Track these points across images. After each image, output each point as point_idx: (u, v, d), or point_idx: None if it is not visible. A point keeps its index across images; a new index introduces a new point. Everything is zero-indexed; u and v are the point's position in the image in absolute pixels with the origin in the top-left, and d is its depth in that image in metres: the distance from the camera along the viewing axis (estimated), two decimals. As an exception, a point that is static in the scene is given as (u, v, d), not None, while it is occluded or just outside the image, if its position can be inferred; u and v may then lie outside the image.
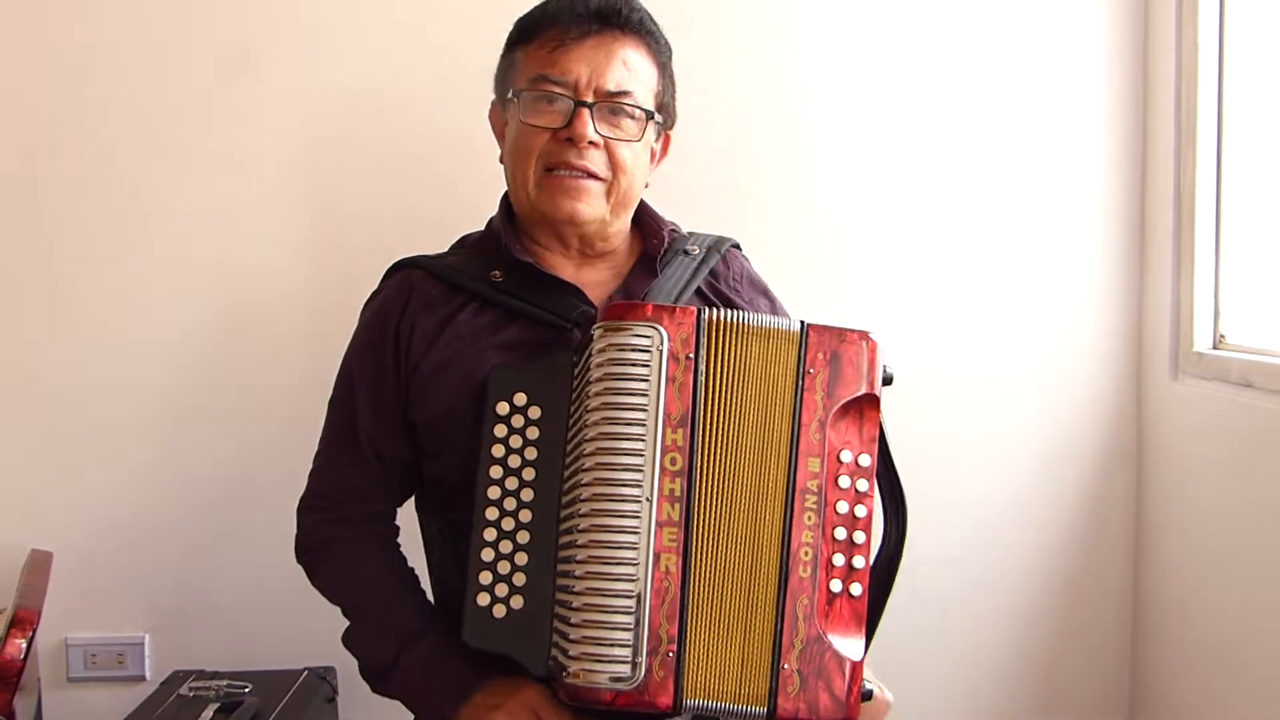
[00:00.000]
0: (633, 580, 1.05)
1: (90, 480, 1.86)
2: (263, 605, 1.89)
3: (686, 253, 1.37)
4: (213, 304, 1.86)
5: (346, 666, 1.82)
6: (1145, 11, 1.90)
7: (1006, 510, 1.95)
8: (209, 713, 1.66)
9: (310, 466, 1.40)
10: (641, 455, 1.07)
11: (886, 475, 1.18)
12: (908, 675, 1.80)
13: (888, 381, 1.15)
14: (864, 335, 1.13)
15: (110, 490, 1.86)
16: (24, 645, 1.47)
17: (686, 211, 1.49)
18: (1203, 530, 1.76)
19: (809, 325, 1.12)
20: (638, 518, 1.06)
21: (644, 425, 1.07)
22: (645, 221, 1.38)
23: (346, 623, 1.35)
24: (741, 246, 1.48)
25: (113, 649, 1.87)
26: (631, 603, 1.04)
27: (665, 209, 1.43)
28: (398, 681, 1.28)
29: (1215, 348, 1.78)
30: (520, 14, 1.34)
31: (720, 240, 1.42)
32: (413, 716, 1.40)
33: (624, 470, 1.07)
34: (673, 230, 1.40)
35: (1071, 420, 1.94)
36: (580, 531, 1.07)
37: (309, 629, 1.85)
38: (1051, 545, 1.95)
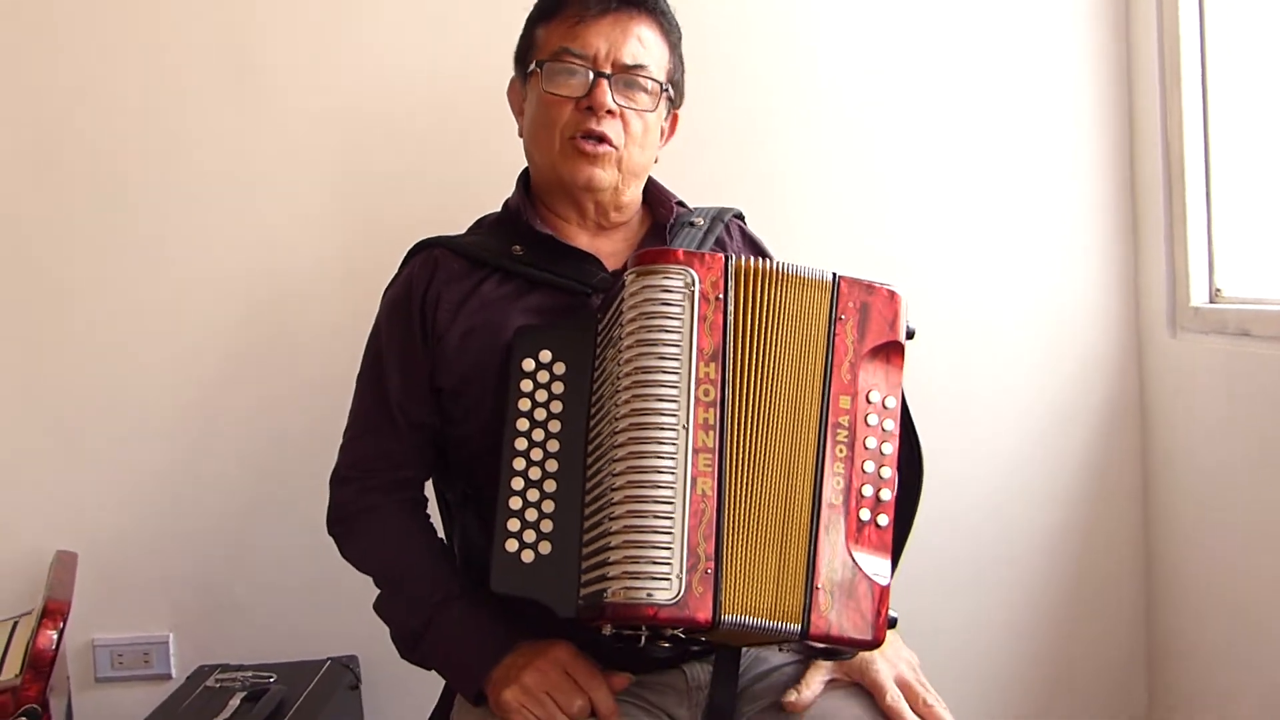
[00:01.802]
0: (671, 502, 1.07)
1: (114, 483, 1.88)
2: (285, 601, 1.91)
3: (692, 224, 1.44)
4: (232, 307, 1.89)
5: (369, 656, 1.86)
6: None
7: (1011, 474, 1.97)
8: (235, 701, 1.68)
9: (329, 467, 1.42)
10: (676, 386, 1.10)
11: (906, 426, 1.22)
12: (917, 637, 1.82)
13: (910, 335, 1.20)
14: (890, 290, 1.19)
15: (133, 493, 1.89)
16: (55, 636, 1.48)
17: (707, 193, 1.55)
18: (1210, 482, 1.78)
19: (840, 276, 1.17)
20: (675, 444, 1.09)
21: (679, 359, 1.11)
22: (654, 194, 1.46)
23: (368, 612, 1.37)
24: (744, 216, 1.54)
25: (138, 648, 1.90)
26: (670, 523, 1.07)
27: (685, 191, 1.49)
28: (429, 647, 1.30)
29: (1212, 301, 1.82)
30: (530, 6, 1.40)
31: (722, 211, 1.49)
32: (435, 702, 1.43)
33: (660, 400, 1.10)
34: (679, 204, 1.47)
35: (1072, 382, 1.96)
36: (617, 460, 1.10)
37: (331, 622, 1.88)
38: (1058, 507, 1.97)
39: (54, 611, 1.50)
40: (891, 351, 1.18)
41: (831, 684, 1.27)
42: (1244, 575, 1.70)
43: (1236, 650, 1.73)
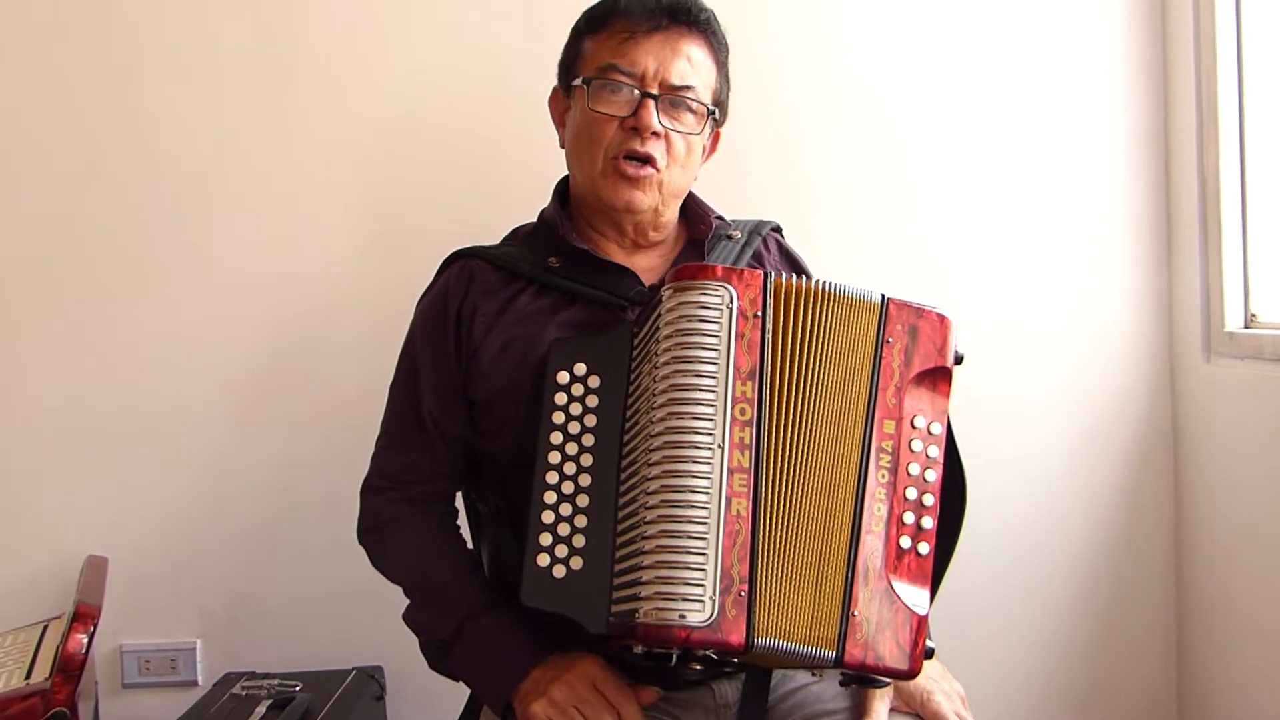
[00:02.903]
0: (705, 523, 1.06)
1: (144, 490, 1.90)
2: (312, 610, 1.92)
3: (730, 238, 1.44)
4: (262, 315, 1.91)
5: (394, 666, 1.87)
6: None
7: (1044, 499, 1.95)
8: (261, 709, 1.68)
9: (359, 478, 1.43)
10: (713, 405, 1.09)
11: (950, 453, 1.21)
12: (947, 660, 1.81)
13: (958, 361, 1.19)
14: (941, 314, 1.18)
15: (163, 500, 1.90)
16: (85, 640, 1.49)
17: (743, 206, 1.55)
18: (1243, 508, 1.76)
19: (889, 298, 1.16)
20: (710, 464, 1.08)
21: (715, 377, 1.10)
22: (692, 210, 1.45)
23: (395, 622, 1.38)
24: (782, 229, 1.54)
25: (166, 655, 1.91)
26: (704, 544, 1.06)
27: (721, 203, 1.49)
28: (457, 658, 1.30)
29: (1247, 327, 1.80)
30: (569, 22, 1.40)
31: (760, 224, 1.49)
32: (459, 712, 1.42)
33: (695, 419, 1.09)
34: (718, 218, 1.46)
35: (1106, 406, 1.95)
36: (651, 479, 1.09)
37: (357, 632, 1.89)
38: (1091, 532, 1.96)
39: (84, 615, 1.51)
40: (939, 377, 1.17)
41: (891, 712, 1.25)
42: (1278, 604, 1.68)
43: (1270, 679, 1.70)
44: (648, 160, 1.31)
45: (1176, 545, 1.96)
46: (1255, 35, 1.78)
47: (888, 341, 1.15)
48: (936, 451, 1.15)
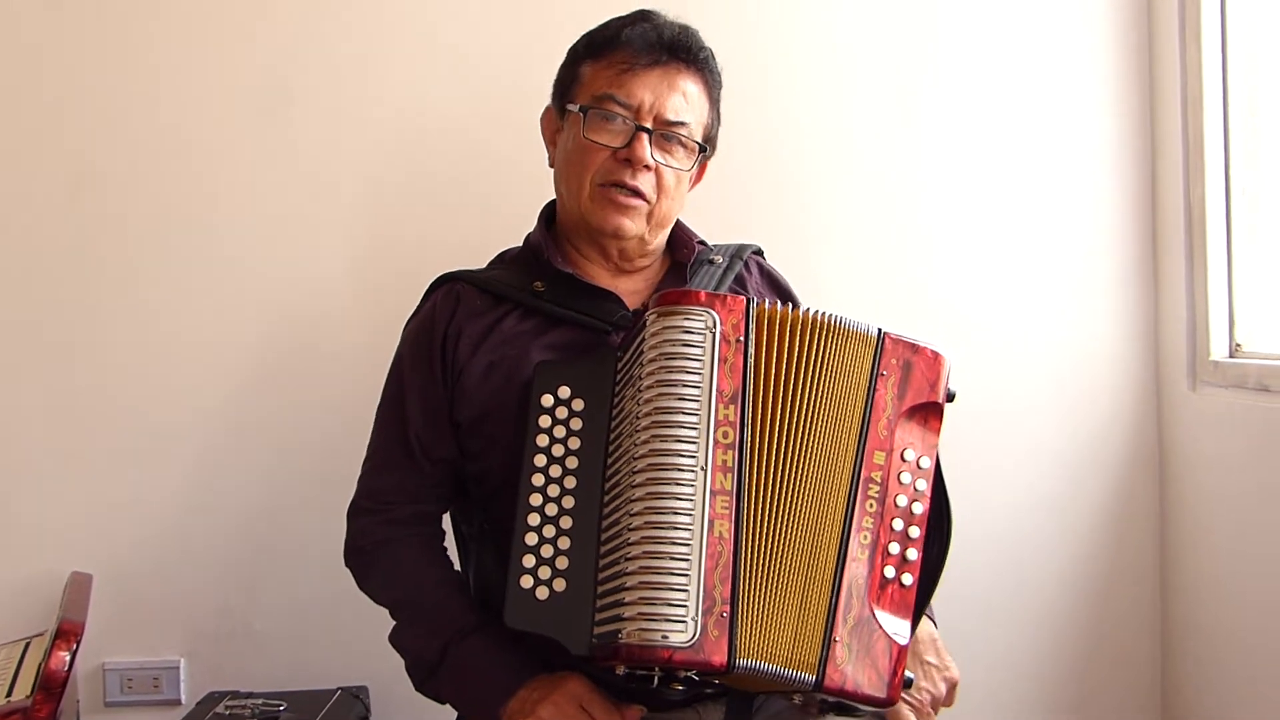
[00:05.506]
0: (688, 544, 1.08)
1: (130, 507, 1.88)
2: (297, 629, 1.91)
3: (711, 262, 1.46)
4: (251, 330, 1.90)
5: (379, 686, 1.86)
6: (1149, 26, 1.95)
7: (1029, 525, 1.96)
8: (245, 730, 1.68)
9: (346, 496, 1.43)
10: (696, 428, 1.11)
11: (937, 489, 1.22)
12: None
13: (950, 398, 1.21)
14: (935, 351, 1.20)
15: (148, 517, 1.89)
16: (67, 658, 1.48)
17: (738, 223, 1.59)
18: (1227, 537, 1.77)
19: (885, 332, 1.18)
20: (693, 485, 1.09)
21: (698, 400, 1.11)
22: (676, 234, 1.46)
23: (381, 641, 1.38)
24: (764, 252, 1.55)
25: (149, 673, 1.89)
26: (687, 564, 1.07)
27: (708, 222, 1.51)
28: (444, 678, 1.31)
29: (1232, 356, 1.81)
30: (557, 39, 1.42)
31: (741, 248, 1.51)
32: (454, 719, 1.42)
33: (679, 441, 1.10)
34: (700, 242, 1.47)
35: (1092, 434, 1.96)
36: (635, 500, 1.10)
37: (342, 652, 1.88)
38: (1076, 559, 1.96)
39: (67, 632, 1.50)
40: (930, 412, 1.19)
41: None
42: (1262, 633, 1.69)
43: (1253, 701, 1.71)
44: (636, 193, 1.33)
45: (1161, 571, 1.96)
46: (1241, 67, 1.81)
47: (882, 374, 1.17)
48: (925, 485, 1.17)
